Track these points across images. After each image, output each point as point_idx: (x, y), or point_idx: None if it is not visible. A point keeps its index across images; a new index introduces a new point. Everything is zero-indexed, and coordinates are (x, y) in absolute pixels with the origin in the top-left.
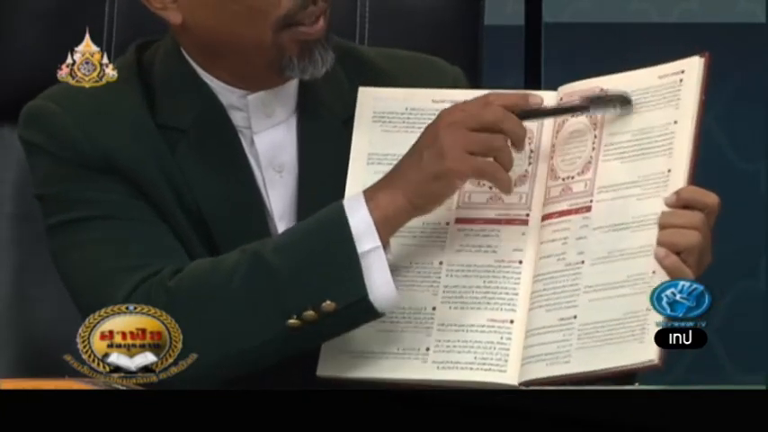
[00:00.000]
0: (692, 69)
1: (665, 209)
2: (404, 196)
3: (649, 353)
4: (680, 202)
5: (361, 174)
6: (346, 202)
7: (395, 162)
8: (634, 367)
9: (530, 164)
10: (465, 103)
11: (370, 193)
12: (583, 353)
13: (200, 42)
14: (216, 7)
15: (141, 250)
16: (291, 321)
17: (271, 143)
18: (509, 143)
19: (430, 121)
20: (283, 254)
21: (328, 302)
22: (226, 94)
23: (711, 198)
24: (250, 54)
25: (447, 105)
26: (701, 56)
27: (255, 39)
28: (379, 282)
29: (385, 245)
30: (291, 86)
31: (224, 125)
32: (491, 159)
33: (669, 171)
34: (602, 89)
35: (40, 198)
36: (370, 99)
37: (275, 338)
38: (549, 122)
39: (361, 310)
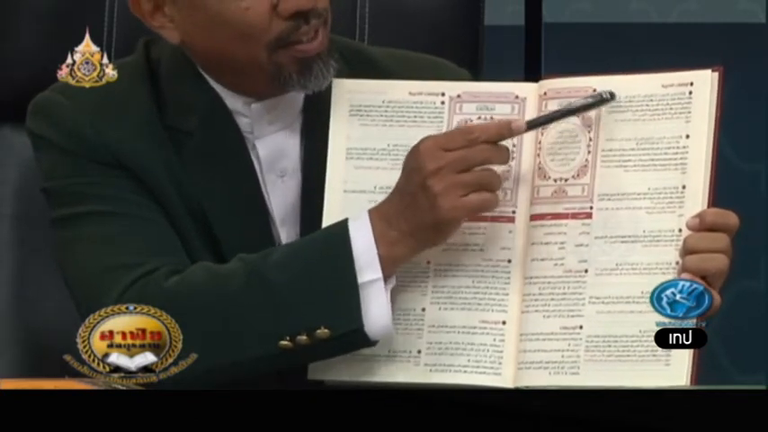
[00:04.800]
0: (703, 83)
1: (682, 227)
2: (413, 239)
3: (680, 377)
4: (704, 226)
5: (340, 170)
6: (352, 227)
7: (375, 157)
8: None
9: (513, 158)
10: (447, 139)
11: (377, 225)
12: (593, 366)
13: (201, 58)
14: (209, 30)
15: (140, 248)
16: (283, 343)
17: (272, 148)
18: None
19: (408, 115)
20: (283, 272)
21: (323, 329)
22: (231, 99)
23: (733, 219)
24: (249, 71)
25: (424, 97)
26: (713, 69)
27: (251, 59)
28: (375, 314)
29: (388, 277)
30: (297, 94)
31: (229, 129)
32: (484, 192)
33: (684, 188)
34: (595, 90)
35: (45, 191)
36: (345, 92)
37: (265, 356)
38: (531, 116)
39: (354, 339)
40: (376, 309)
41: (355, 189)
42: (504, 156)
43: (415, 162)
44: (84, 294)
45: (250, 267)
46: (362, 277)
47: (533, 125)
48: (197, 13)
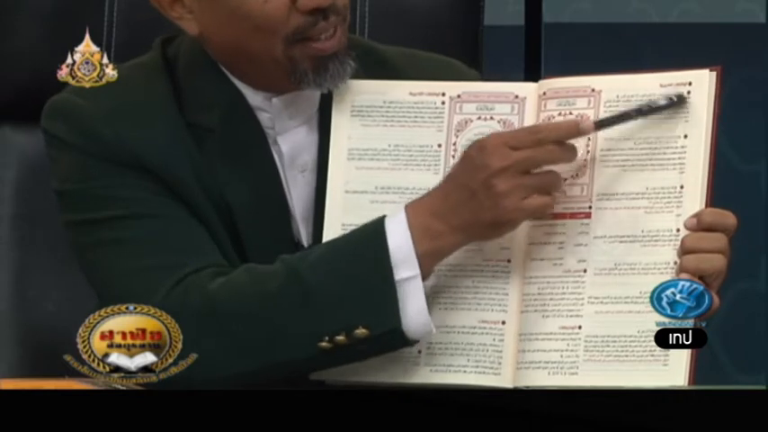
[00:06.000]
0: (701, 82)
1: (680, 227)
2: (462, 233)
3: (678, 377)
4: (702, 226)
5: (342, 170)
6: (388, 224)
7: (376, 157)
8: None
9: None
10: (514, 137)
11: (417, 220)
12: (592, 366)
13: (219, 51)
14: (227, 23)
15: (176, 249)
16: (323, 344)
17: (293, 144)
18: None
19: (408, 115)
20: (320, 271)
21: (361, 329)
22: (251, 95)
23: (731, 219)
24: (266, 66)
25: (424, 98)
26: (711, 69)
27: (268, 53)
28: (413, 311)
29: (426, 275)
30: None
31: (251, 124)
32: (545, 196)
33: (682, 187)
34: (593, 89)
35: (61, 193)
36: (347, 93)
37: (305, 357)
38: (531, 116)
39: (393, 338)
40: (413, 306)
41: (357, 190)
42: (572, 155)
43: (480, 159)
44: (121, 296)
45: (288, 268)
46: (399, 274)
47: (601, 125)
48: (216, 5)
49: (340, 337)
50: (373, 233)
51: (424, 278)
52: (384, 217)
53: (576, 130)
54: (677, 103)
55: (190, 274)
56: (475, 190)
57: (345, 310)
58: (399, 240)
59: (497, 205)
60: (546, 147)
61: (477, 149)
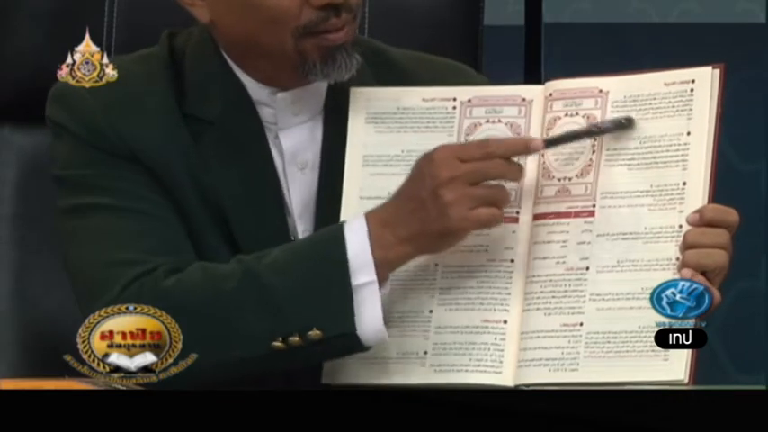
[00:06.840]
0: (704, 80)
1: (683, 223)
2: (410, 245)
3: (677, 372)
4: (703, 221)
5: (357, 176)
6: (347, 230)
7: (390, 163)
8: (657, 384)
9: (518, 160)
10: (463, 150)
11: (374, 229)
12: (592, 362)
13: (229, 41)
14: (238, 13)
15: (144, 246)
16: (276, 344)
17: (295, 140)
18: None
19: (421, 121)
20: (277, 272)
21: (315, 331)
22: (256, 89)
23: (733, 216)
24: (274, 58)
25: (436, 103)
26: (713, 67)
27: (277, 45)
28: (368, 317)
29: (382, 281)
30: (321, 86)
31: (251, 119)
32: (493, 208)
33: (684, 184)
34: (600, 90)
35: (58, 179)
36: (363, 100)
37: (258, 357)
38: (537, 118)
39: (347, 342)
40: (369, 312)
41: (371, 195)
42: (517, 173)
43: (428, 169)
44: (86, 288)
45: (245, 268)
46: (356, 280)
47: (551, 144)
48: None
49: (294, 338)
50: (332, 238)
51: (379, 285)
52: (343, 222)
53: (525, 147)
54: (625, 126)
55: (146, 273)
56: (423, 200)
57: (300, 311)
58: (358, 246)
59: (444, 215)
60: (494, 161)
61: (427, 161)
